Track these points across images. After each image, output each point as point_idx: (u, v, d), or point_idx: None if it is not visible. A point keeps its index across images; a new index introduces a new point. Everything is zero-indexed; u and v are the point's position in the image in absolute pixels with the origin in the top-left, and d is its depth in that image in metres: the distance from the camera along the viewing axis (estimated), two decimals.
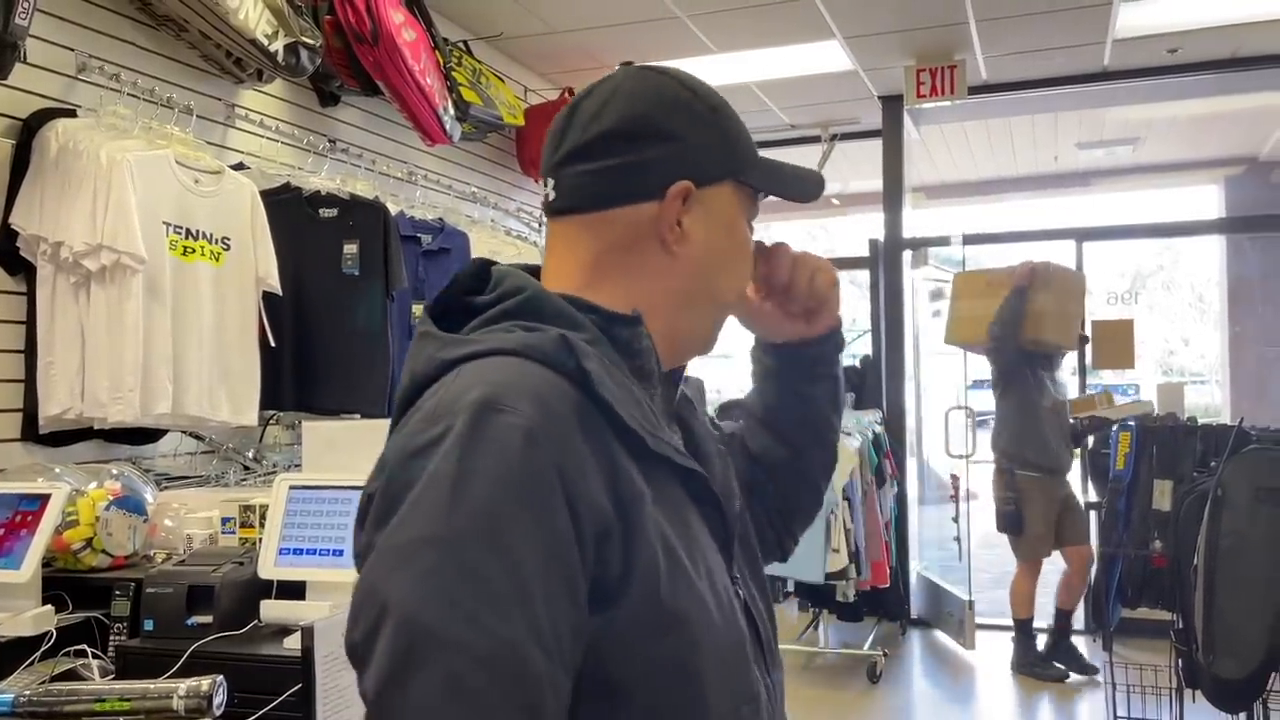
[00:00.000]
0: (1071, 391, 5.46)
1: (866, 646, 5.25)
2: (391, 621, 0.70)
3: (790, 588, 5.86)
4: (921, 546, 6.65)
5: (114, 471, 2.41)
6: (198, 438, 3.05)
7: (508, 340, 0.82)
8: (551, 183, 0.93)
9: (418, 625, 0.69)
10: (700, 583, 0.83)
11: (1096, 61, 5.32)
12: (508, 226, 4.78)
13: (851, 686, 4.93)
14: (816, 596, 5.30)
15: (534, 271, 0.95)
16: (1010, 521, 4.96)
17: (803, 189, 1.02)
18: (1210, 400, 11.34)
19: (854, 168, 7.53)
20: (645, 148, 0.91)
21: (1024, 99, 5.91)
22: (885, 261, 6.17)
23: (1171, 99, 6.29)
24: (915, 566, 6.20)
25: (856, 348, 6.67)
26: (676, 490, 0.86)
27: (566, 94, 5.15)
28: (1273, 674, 3.19)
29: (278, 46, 3.00)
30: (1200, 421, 3.74)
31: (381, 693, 0.69)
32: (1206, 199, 8.95)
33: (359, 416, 3.23)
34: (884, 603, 5.49)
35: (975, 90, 5.50)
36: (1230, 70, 5.38)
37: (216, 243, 2.80)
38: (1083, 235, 5.94)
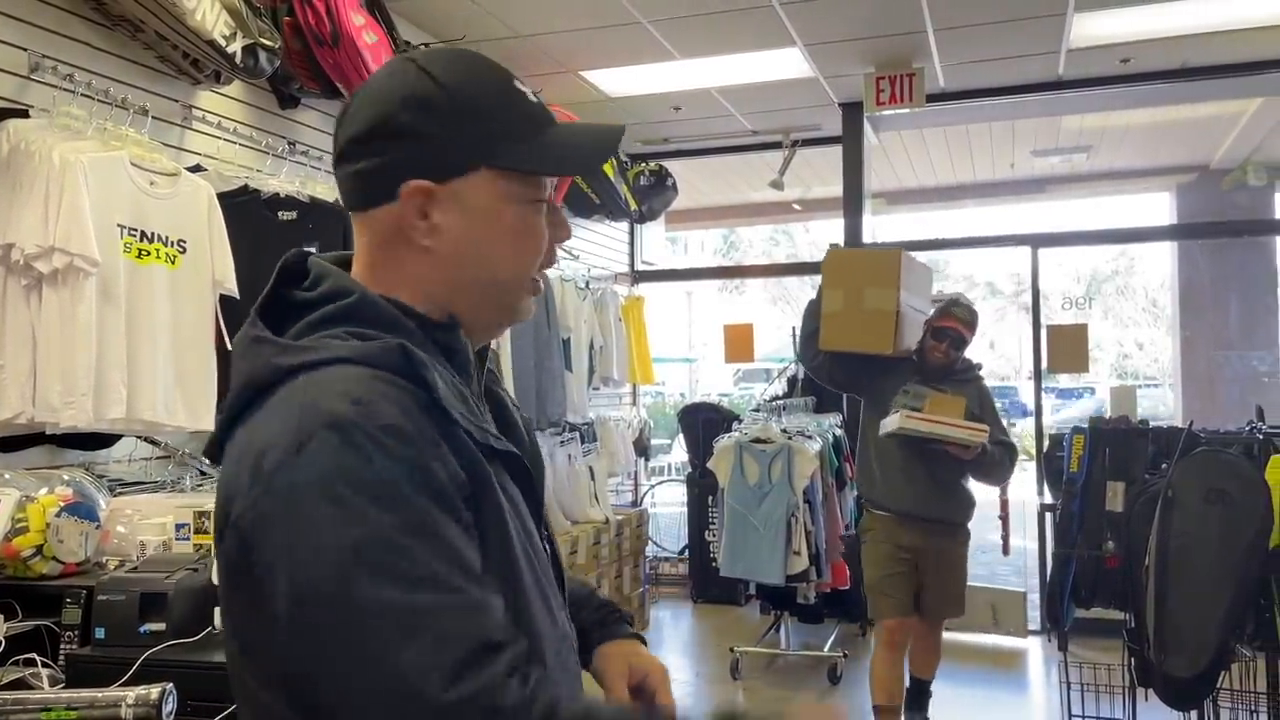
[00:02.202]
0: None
1: (827, 648, 5.29)
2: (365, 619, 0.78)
3: (752, 590, 5.90)
4: None
5: (65, 477, 2.37)
6: (153, 443, 3.01)
7: (346, 349, 0.88)
8: (356, 193, 0.98)
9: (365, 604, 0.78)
10: (525, 541, 0.96)
11: (1051, 71, 5.42)
12: None
13: (812, 687, 4.97)
14: (778, 599, 5.34)
15: (343, 262, 1.00)
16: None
17: (576, 162, 1.01)
18: (1164, 403, 11.56)
19: (815, 173, 7.60)
20: (383, 149, 0.94)
21: (981, 107, 6.00)
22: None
23: (1124, 108, 6.40)
24: None
25: None
26: (498, 467, 0.94)
27: None
28: (1222, 672, 3.26)
29: (235, 48, 2.97)
30: (1152, 424, 3.82)
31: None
32: (1159, 206, 9.15)
33: None
34: (844, 604, 5.53)
35: (933, 98, 5.57)
36: (1180, 80, 5.49)
37: (172, 245, 2.77)
38: (1038, 241, 6.04)
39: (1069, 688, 3.74)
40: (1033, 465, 6.01)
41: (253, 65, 3.05)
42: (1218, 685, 3.27)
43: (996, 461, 3.86)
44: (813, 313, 4.16)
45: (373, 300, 0.92)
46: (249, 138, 3.47)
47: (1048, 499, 4.89)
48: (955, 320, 3.92)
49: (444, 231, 0.94)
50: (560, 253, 5.79)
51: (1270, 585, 3.22)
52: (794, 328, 5.53)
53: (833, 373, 4.19)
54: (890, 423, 3.71)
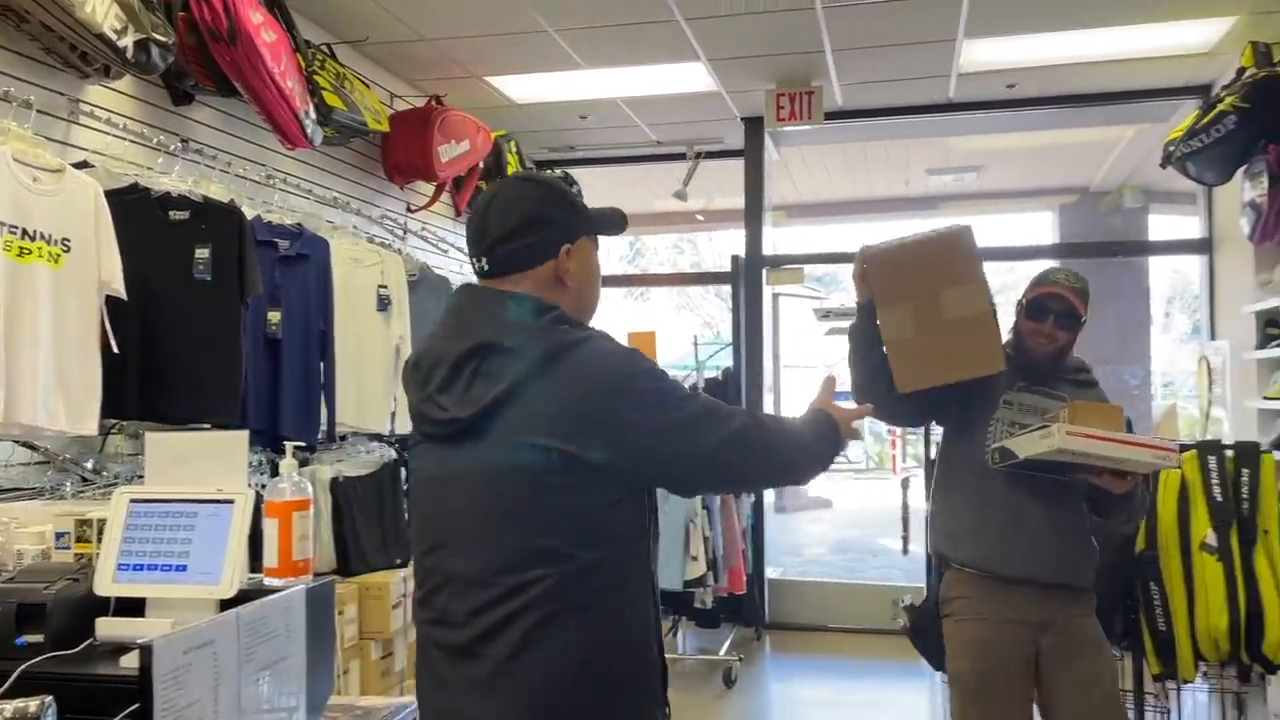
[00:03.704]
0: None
1: (722, 652, 5.39)
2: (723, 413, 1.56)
3: None
4: (777, 553, 6.86)
5: None
6: (31, 448, 2.90)
7: (593, 331, 1.55)
8: (485, 259, 1.58)
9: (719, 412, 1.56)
10: None
11: (942, 93, 5.63)
12: (371, 233, 4.71)
13: (707, 692, 5.05)
14: (675, 603, 5.40)
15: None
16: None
17: (620, 227, 1.73)
18: None
19: (718, 185, 7.73)
20: (541, 231, 1.58)
21: (877, 125, 6.20)
22: (746, 277, 6.35)
23: (1010, 131, 6.70)
24: (771, 573, 6.39)
25: (720, 359, 6.85)
26: None
27: (433, 101, 5.11)
28: None
29: (127, 42, 2.89)
30: None
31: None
32: (1043, 225, 9.55)
33: (209, 427, 3.13)
34: (740, 609, 5.64)
35: (832, 115, 5.74)
36: (1062, 106, 5.78)
37: (56, 244, 2.68)
38: None
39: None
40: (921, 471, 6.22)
41: (145, 61, 2.96)
42: None
43: (1143, 495, 2.64)
44: (865, 341, 2.64)
45: (569, 315, 1.56)
46: (140, 134, 3.37)
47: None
48: (1059, 287, 2.62)
49: (573, 274, 1.59)
50: (465, 258, 5.75)
51: (1136, 588, 3.41)
52: (708, 339, 5.57)
53: (916, 413, 2.89)
54: (1026, 445, 2.43)
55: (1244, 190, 4.69)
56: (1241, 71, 4.51)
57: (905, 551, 5.96)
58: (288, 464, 1.95)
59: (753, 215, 6.30)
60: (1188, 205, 6.31)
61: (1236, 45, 4.62)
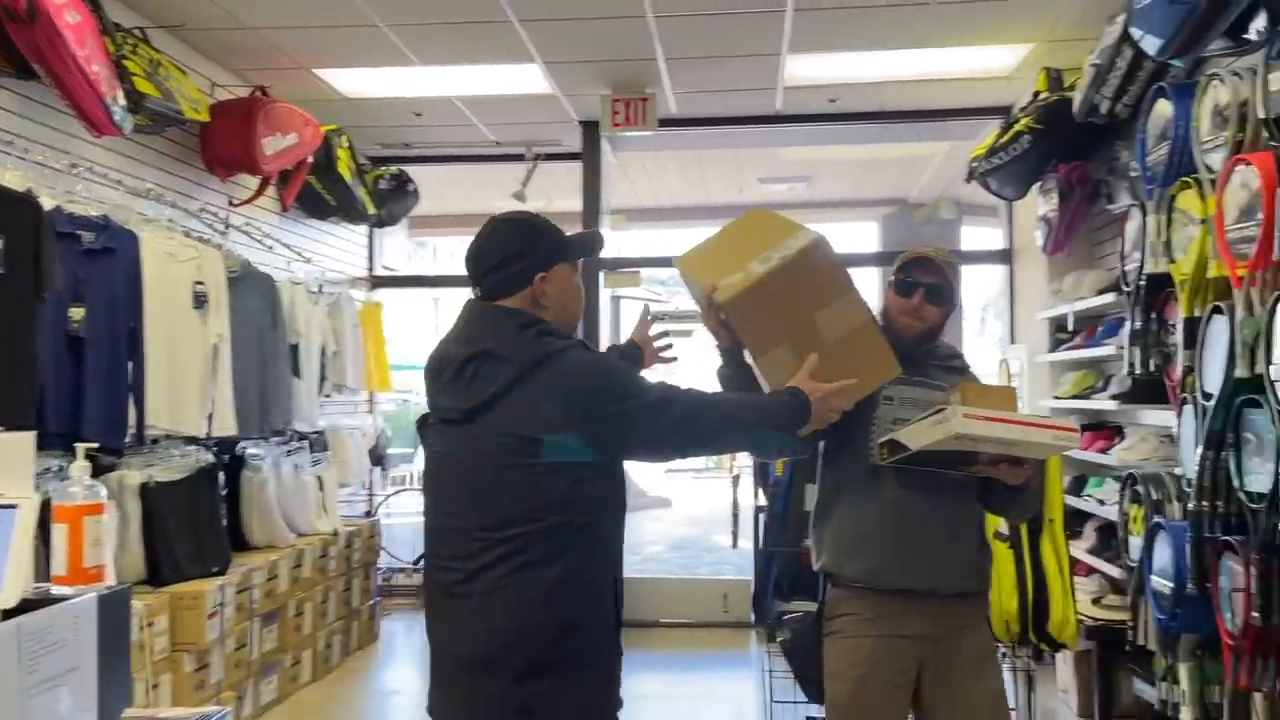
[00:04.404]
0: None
1: None
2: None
3: None
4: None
5: None
6: None
7: (572, 341, 1.91)
8: (479, 286, 1.96)
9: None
10: None
11: (770, 105, 5.85)
12: (188, 227, 4.51)
13: None
14: None
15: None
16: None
17: (595, 249, 2.11)
18: None
19: (558, 187, 7.75)
20: (522, 260, 1.92)
21: (710, 134, 6.37)
22: (584, 279, 6.40)
23: (834, 143, 7.01)
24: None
25: None
26: None
27: (258, 91, 4.94)
28: None
29: None
30: None
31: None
32: (869, 234, 10.01)
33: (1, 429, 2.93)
34: None
35: (666, 123, 5.86)
36: (880, 122, 6.10)
37: None
38: None
39: (771, 675, 4.05)
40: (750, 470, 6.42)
41: None
42: None
43: (1039, 484, 2.52)
44: (741, 387, 2.24)
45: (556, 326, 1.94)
46: None
47: (762, 501, 5.25)
48: (928, 258, 2.40)
49: (550, 296, 1.93)
50: (291, 255, 5.59)
51: None
52: None
53: (811, 439, 2.31)
54: (918, 434, 2.17)
55: (1038, 205, 5.07)
56: (1037, 95, 4.88)
57: (735, 545, 6.16)
58: (79, 466, 1.86)
59: (591, 218, 6.36)
60: (994, 218, 6.77)
61: (1033, 70, 4.99)
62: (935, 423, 2.12)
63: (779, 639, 2.76)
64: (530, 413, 1.80)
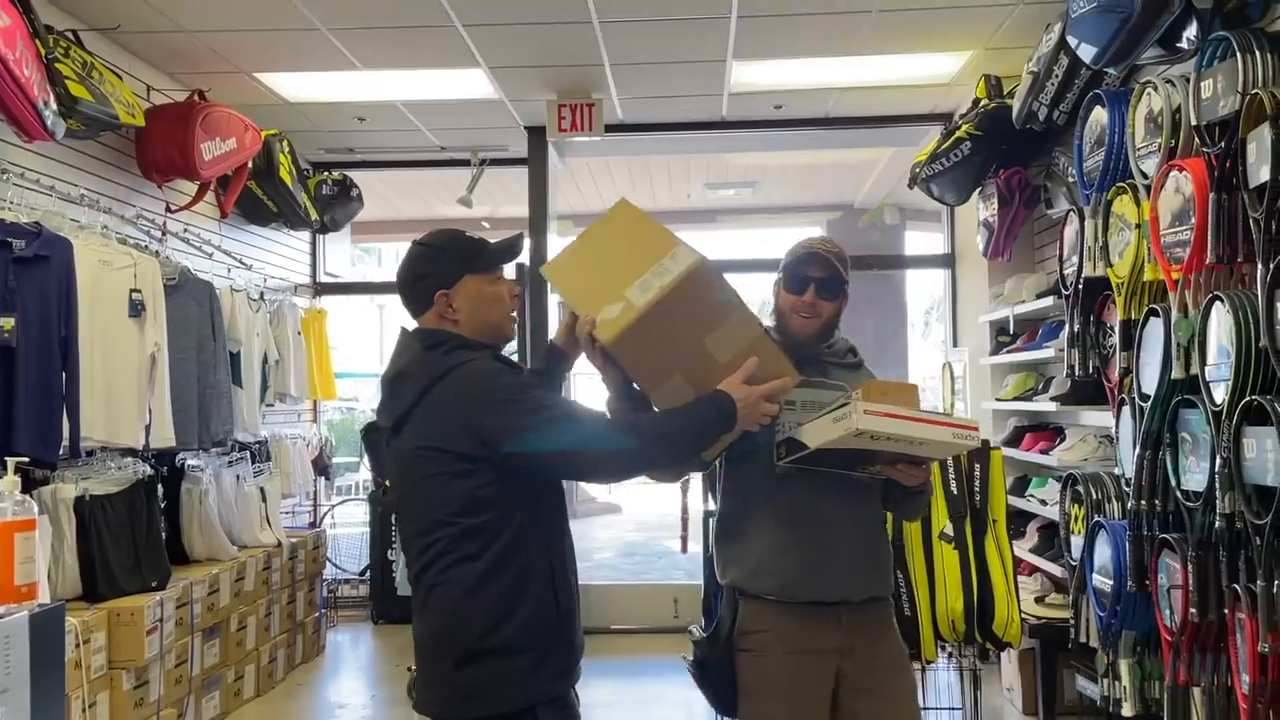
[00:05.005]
0: None
1: None
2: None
3: None
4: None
5: None
6: None
7: (473, 355, 1.99)
8: (411, 306, 2.09)
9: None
10: None
11: (716, 111, 5.88)
12: (124, 234, 4.40)
13: None
14: None
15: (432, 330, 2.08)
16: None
17: (509, 256, 2.11)
18: None
19: (505, 192, 7.73)
20: (424, 280, 2.05)
21: (656, 140, 6.38)
22: (530, 284, 6.38)
23: (780, 149, 7.07)
24: None
25: None
26: None
27: (196, 96, 4.84)
28: None
29: None
30: None
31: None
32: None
33: None
34: None
35: (612, 128, 5.86)
36: (824, 128, 6.16)
37: None
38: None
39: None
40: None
41: None
42: None
43: (930, 486, 2.39)
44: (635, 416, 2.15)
45: (468, 339, 2.04)
46: None
47: (711, 505, 5.26)
48: (816, 251, 2.32)
49: (458, 309, 2.03)
50: (231, 261, 5.49)
51: None
52: None
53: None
54: (818, 432, 2.09)
55: (979, 210, 5.16)
56: (976, 102, 4.96)
57: (684, 550, 6.15)
58: (9, 481, 1.80)
59: (537, 223, 6.33)
60: (937, 223, 6.87)
61: (973, 77, 5.08)
62: (835, 419, 2.02)
63: (685, 658, 2.49)
64: (431, 425, 1.94)
